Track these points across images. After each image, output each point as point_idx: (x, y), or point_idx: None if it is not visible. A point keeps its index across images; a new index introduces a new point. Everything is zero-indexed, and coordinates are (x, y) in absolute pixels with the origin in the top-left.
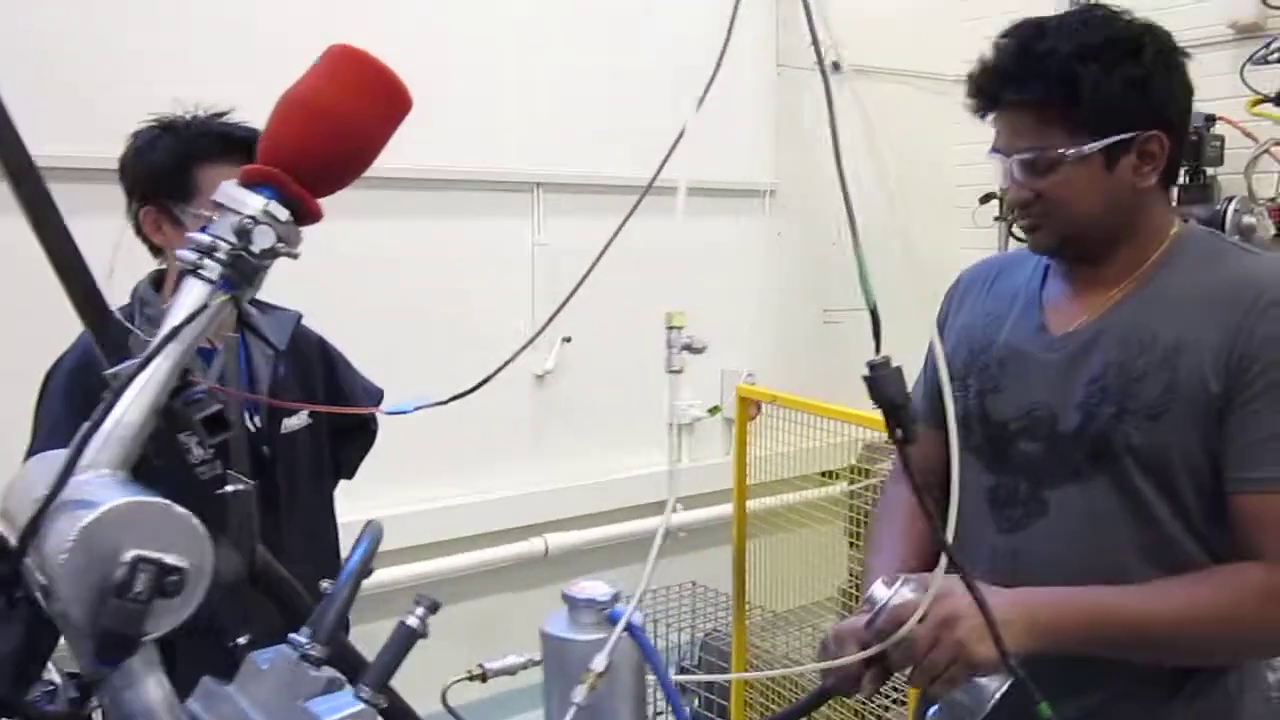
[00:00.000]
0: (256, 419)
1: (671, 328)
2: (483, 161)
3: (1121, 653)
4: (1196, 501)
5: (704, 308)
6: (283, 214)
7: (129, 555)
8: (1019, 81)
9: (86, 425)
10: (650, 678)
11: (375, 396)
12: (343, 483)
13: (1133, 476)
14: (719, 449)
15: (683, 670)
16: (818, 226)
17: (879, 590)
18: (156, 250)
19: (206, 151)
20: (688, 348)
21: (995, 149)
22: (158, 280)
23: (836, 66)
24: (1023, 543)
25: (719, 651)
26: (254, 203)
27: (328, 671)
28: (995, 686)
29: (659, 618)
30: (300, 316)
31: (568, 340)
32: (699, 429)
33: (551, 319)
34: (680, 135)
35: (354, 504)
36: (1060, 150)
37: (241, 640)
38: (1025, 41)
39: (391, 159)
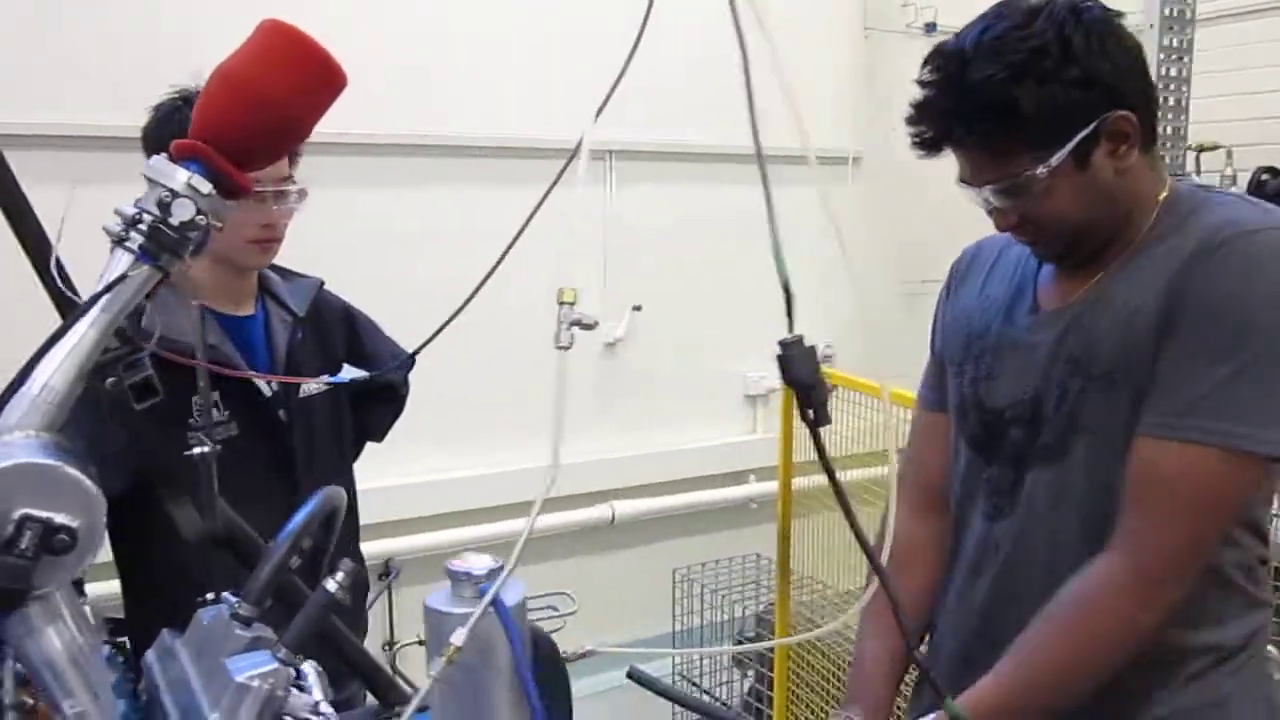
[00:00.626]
0: (273, 383)
1: (562, 303)
2: (553, 129)
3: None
4: None
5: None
6: (205, 187)
7: (17, 514)
8: (964, 120)
9: (3, 392)
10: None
11: (405, 363)
12: (412, 445)
13: (1104, 451)
14: (798, 421)
15: (744, 640)
16: (903, 195)
17: None
18: None
19: None
20: (577, 324)
21: (963, 180)
22: None
23: (931, 28)
24: (1000, 531)
25: (774, 626)
26: (178, 176)
27: (256, 630)
28: None
29: (720, 589)
30: (321, 283)
31: (638, 309)
32: (774, 400)
33: (458, 312)
34: (606, 99)
35: (422, 465)
36: (1028, 172)
37: (209, 596)
38: (954, 75)
39: (458, 127)
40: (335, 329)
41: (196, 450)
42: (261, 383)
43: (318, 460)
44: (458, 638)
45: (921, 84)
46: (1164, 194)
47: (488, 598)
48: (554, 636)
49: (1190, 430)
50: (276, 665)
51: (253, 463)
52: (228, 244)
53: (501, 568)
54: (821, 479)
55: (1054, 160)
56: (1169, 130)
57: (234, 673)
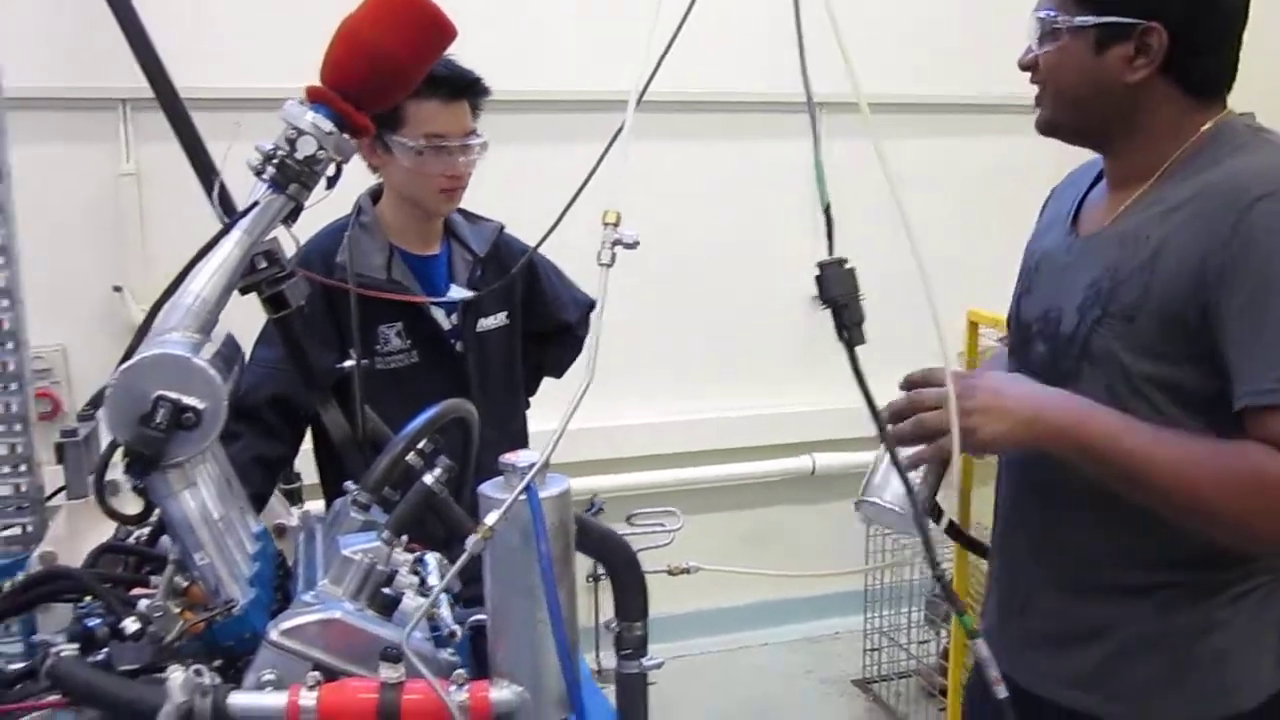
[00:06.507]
0: (452, 317)
1: (606, 224)
2: (766, 82)
3: (1105, 477)
4: (1183, 415)
5: (990, 230)
6: (327, 126)
7: (154, 394)
8: None
9: (158, 299)
10: None
11: (583, 306)
12: (619, 389)
13: (1115, 383)
14: None
15: (935, 599)
16: None
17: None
18: (374, 167)
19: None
20: (618, 243)
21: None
22: (376, 193)
23: None
24: None
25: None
26: (305, 117)
27: (371, 515)
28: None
29: (919, 545)
30: (502, 227)
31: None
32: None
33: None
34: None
35: (629, 408)
36: (1061, 16)
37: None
38: None
39: (670, 83)
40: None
41: (347, 364)
42: (441, 316)
43: (490, 389)
44: (491, 518)
45: None
46: (1207, 126)
47: (521, 485)
48: (660, 550)
49: None
50: (378, 544)
51: (430, 388)
52: (418, 191)
53: (545, 463)
54: None
55: (1077, 20)
56: None
57: (342, 547)
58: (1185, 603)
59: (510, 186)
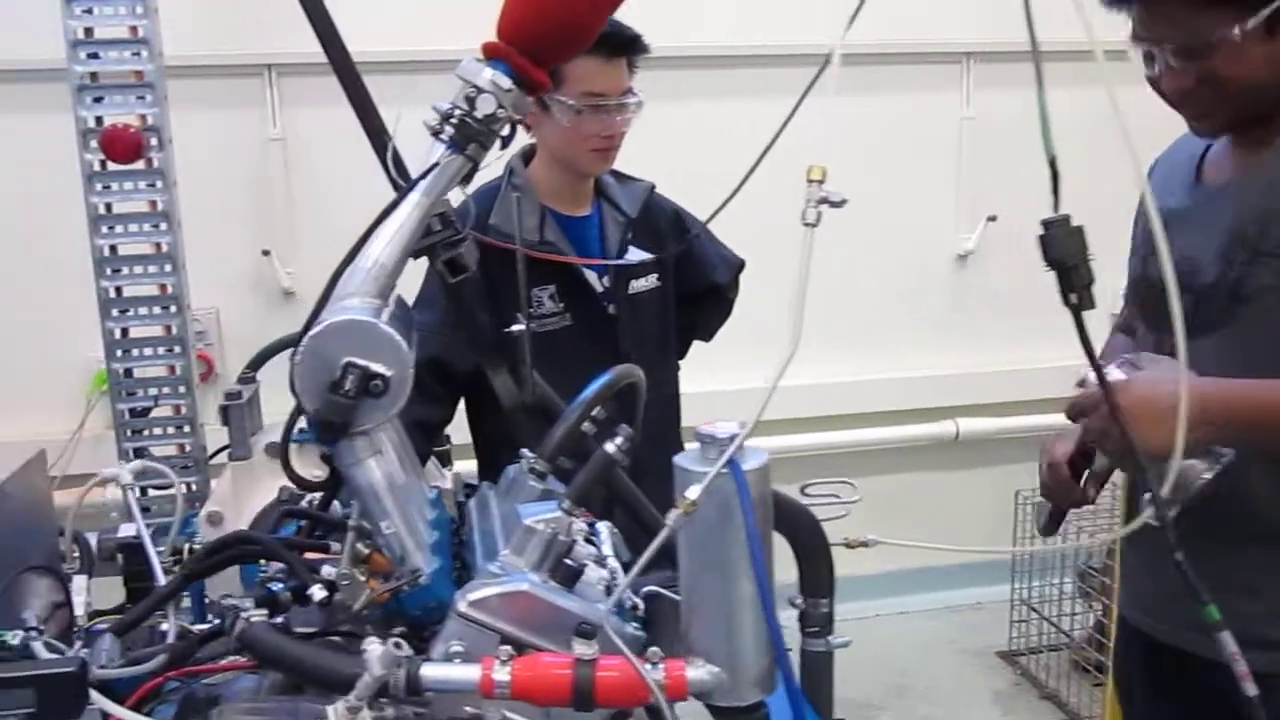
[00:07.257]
0: (605, 279)
1: (811, 181)
2: (908, 32)
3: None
4: None
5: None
6: (506, 83)
7: (342, 361)
8: None
9: (339, 264)
10: None
11: (734, 267)
12: (765, 353)
13: (1268, 323)
14: None
15: (1089, 570)
16: None
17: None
18: (528, 128)
19: None
20: (824, 201)
21: (1139, 38)
22: (527, 155)
23: None
24: None
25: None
26: (484, 75)
27: (548, 484)
28: (1200, 470)
29: (1072, 517)
30: (653, 187)
31: (992, 219)
32: None
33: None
34: None
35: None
36: (1221, 32)
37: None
38: None
39: (803, 35)
40: (665, 231)
41: (515, 328)
42: (594, 278)
43: (643, 351)
44: (693, 492)
45: None
46: None
47: (723, 458)
48: (838, 523)
49: None
50: (559, 514)
51: (584, 351)
52: (572, 151)
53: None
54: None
55: (1250, 24)
56: None
57: (523, 516)
58: None
59: (660, 145)
